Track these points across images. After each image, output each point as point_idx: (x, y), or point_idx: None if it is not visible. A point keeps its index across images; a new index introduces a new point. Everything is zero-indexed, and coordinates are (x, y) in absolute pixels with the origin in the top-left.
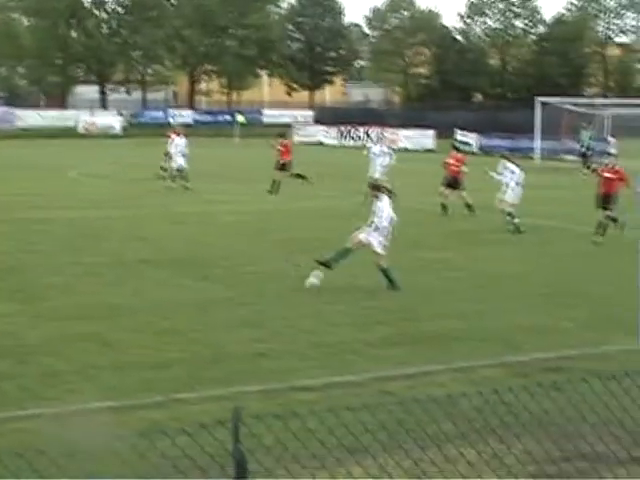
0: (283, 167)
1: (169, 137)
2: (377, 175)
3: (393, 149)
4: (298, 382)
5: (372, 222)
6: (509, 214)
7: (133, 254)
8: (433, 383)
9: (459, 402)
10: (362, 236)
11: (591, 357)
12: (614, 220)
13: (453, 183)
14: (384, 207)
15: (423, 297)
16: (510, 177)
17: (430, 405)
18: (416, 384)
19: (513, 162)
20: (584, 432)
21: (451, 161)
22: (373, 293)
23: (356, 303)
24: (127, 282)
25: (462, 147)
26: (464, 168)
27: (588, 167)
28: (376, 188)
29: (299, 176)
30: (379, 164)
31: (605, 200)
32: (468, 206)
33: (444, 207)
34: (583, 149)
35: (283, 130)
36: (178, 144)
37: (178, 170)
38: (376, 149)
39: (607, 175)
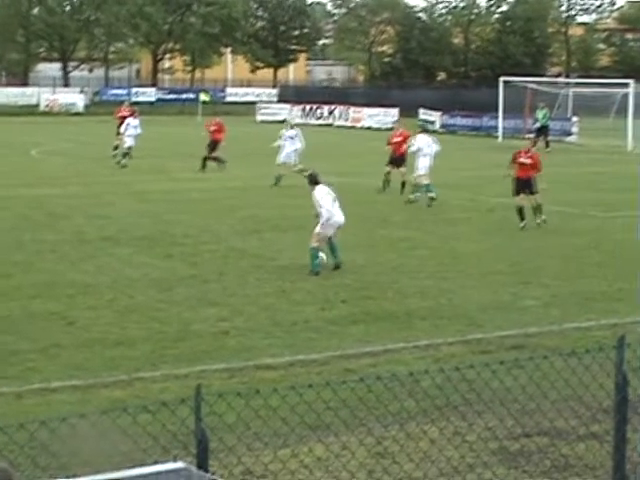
0: (214, 146)
1: (120, 116)
2: (288, 160)
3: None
4: (261, 360)
5: (317, 215)
6: (427, 186)
7: (96, 232)
8: (396, 361)
9: (421, 379)
10: (316, 231)
11: (553, 334)
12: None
13: (398, 161)
14: (319, 197)
15: (387, 275)
16: (427, 151)
17: (392, 383)
18: (379, 362)
19: (430, 135)
20: (545, 409)
21: (396, 139)
22: (337, 271)
23: (319, 281)
24: (90, 260)
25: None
26: (407, 145)
27: (547, 143)
28: (309, 181)
29: (216, 159)
30: (293, 150)
31: (525, 185)
32: (403, 185)
33: (385, 184)
34: (536, 125)
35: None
36: (130, 124)
37: (129, 149)
38: (291, 133)
39: (522, 160)
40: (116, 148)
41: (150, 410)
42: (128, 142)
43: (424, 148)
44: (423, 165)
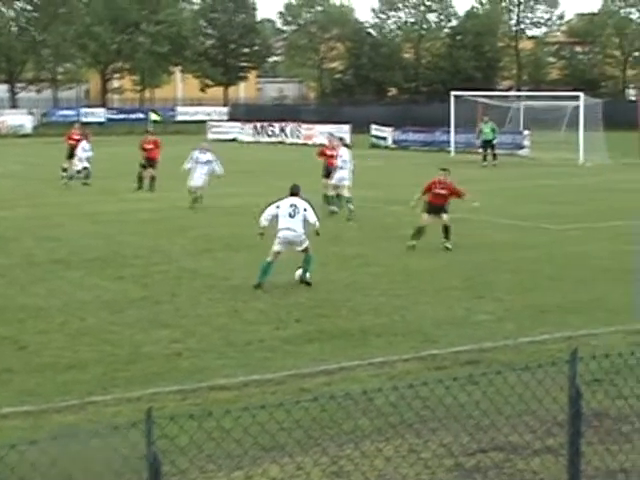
0: (152, 164)
1: (72, 139)
2: (197, 184)
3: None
4: (215, 381)
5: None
6: (348, 200)
7: (46, 254)
8: (351, 379)
9: (375, 397)
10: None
11: (507, 349)
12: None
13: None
14: (278, 204)
15: (340, 293)
16: (344, 164)
17: (346, 401)
18: (334, 380)
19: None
20: (499, 424)
21: (330, 152)
22: (290, 290)
23: (273, 300)
24: (40, 283)
25: (377, 142)
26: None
27: (494, 156)
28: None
29: (152, 179)
30: (205, 172)
31: (438, 209)
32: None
33: (326, 198)
34: (479, 141)
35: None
36: (85, 148)
37: (80, 171)
38: (203, 157)
39: (437, 192)
40: (65, 170)
41: (101, 434)
42: (79, 165)
43: (347, 161)
44: (345, 177)
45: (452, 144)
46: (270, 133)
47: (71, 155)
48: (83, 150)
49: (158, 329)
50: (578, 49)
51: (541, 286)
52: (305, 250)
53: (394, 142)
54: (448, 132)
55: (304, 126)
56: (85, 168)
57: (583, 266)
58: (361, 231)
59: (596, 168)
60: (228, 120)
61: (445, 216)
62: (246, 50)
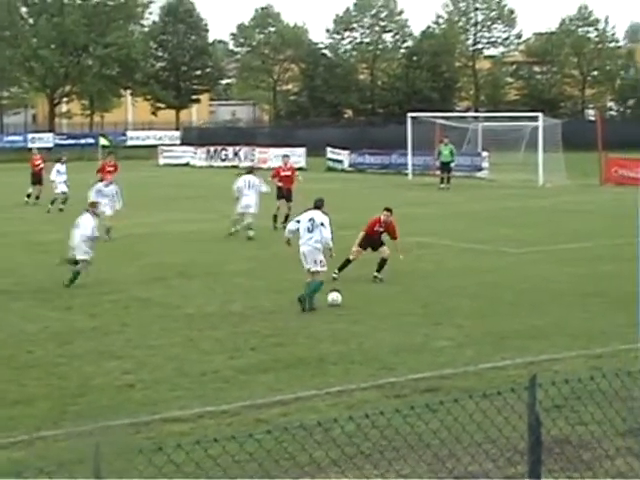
0: None
1: (34, 165)
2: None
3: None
4: (169, 413)
5: None
6: (249, 227)
7: None
8: (308, 409)
9: (332, 428)
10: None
11: (467, 375)
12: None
13: (287, 195)
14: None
15: (297, 320)
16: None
17: (301, 433)
18: (290, 411)
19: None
20: (458, 453)
21: (285, 173)
22: (246, 318)
23: (228, 329)
24: None
25: (333, 165)
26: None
27: (448, 180)
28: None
29: None
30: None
31: (374, 243)
32: (286, 218)
33: (275, 219)
34: (437, 163)
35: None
36: (60, 171)
37: (62, 194)
38: (109, 190)
39: (377, 229)
40: (29, 196)
41: (47, 472)
42: (59, 189)
43: (252, 187)
44: (251, 204)
45: (410, 167)
46: (224, 157)
47: (35, 181)
48: (58, 173)
49: (108, 360)
50: (536, 69)
51: (501, 311)
52: (316, 274)
53: (350, 165)
54: (405, 154)
55: (258, 149)
56: (64, 193)
57: (542, 290)
58: None
59: (555, 189)
60: (180, 144)
61: (385, 250)
62: (198, 72)
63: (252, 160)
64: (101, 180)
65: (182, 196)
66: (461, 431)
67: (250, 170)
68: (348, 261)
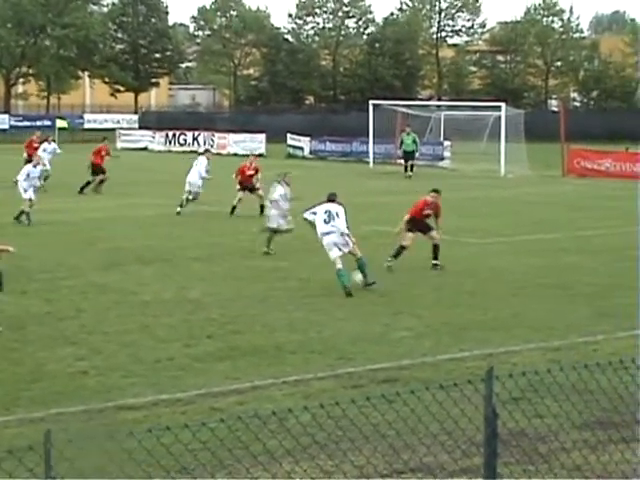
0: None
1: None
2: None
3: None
4: (123, 401)
5: None
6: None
7: None
8: (264, 398)
9: (287, 418)
10: None
11: (426, 366)
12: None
13: (250, 186)
14: (316, 209)
15: (254, 308)
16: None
17: (256, 422)
18: (246, 399)
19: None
20: (414, 445)
21: (250, 172)
22: (202, 305)
23: (184, 317)
24: None
25: (294, 152)
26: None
27: (411, 168)
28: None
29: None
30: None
31: (422, 227)
32: (262, 208)
33: (233, 210)
34: (400, 152)
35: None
36: (47, 149)
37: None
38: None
39: (425, 213)
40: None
41: None
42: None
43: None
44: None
45: (371, 155)
46: (182, 142)
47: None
48: (43, 151)
49: (62, 346)
50: (500, 58)
51: (461, 302)
52: (353, 254)
53: (311, 152)
54: (367, 142)
55: (218, 135)
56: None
57: (504, 281)
58: (278, 244)
59: (517, 180)
60: (139, 128)
61: (434, 234)
62: (158, 55)
63: (211, 145)
64: (95, 164)
65: (140, 181)
66: (417, 422)
67: (205, 152)
68: (402, 247)
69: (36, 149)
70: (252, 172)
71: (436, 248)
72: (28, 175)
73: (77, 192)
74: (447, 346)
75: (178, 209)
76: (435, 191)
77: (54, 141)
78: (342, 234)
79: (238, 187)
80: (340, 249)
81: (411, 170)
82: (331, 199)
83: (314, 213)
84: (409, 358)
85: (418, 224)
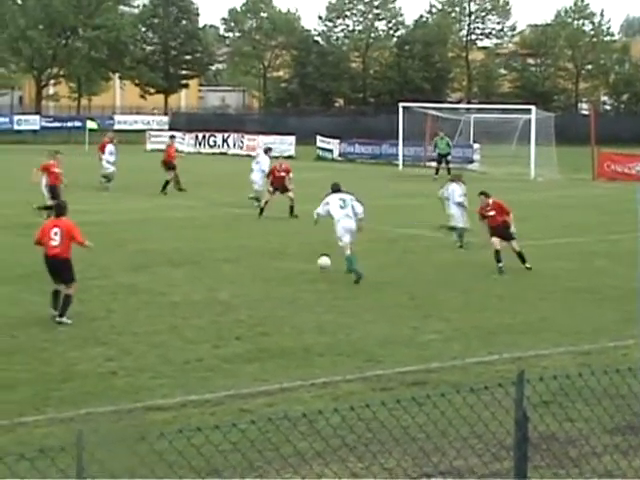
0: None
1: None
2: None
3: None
4: (152, 402)
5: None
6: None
7: None
8: (293, 400)
9: (316, 420)
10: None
11: (455, 369)
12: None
13: (282, 187)
14: (328, 200)
15: (283, 310)
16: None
17: (286, 424)
18: (275, 401)
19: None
20: (444, 448)
21: (282, 174)
22: (231, 307)
23: (213, 318)
24: None
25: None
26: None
27: (449, 170)
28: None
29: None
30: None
31: (500, 232)
32: (292, 209)
33: (262, 211)
34: (435, 154)
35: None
36: (111, 151)
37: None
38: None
39: (489, 214)
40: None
41: (28, 459)
42: (110, 168)
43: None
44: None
45: (400, 157)
46: (212, 144)
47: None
48: (109, 154)
49: (92, 347)
50: (530, 61)
51: (490, 305)
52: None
53: (340, 154)
54: (396, 145)
55: (247, 137)
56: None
57: (533, 285)
58: (306, 246)
59: (547, 183)
60: (169, 129)
61: (514, 244)
62: (188, 57)
63: (240, 147)
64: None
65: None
66: (447, 425)
67: (267, 151)
68: (497, 252)
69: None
70: (283, 173)
71: (519, 254)
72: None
73: (160, 192)
74: (476, 349)
75: (258, 206)
76: (482, 194)
77: (112, 142)
78: (360, 219)
79: (270, 189)
80: (351, 236)
81: (448, 172)
82: (337, 189)
83: (327, 204)
84: (438, 361)
85: (496, 230)
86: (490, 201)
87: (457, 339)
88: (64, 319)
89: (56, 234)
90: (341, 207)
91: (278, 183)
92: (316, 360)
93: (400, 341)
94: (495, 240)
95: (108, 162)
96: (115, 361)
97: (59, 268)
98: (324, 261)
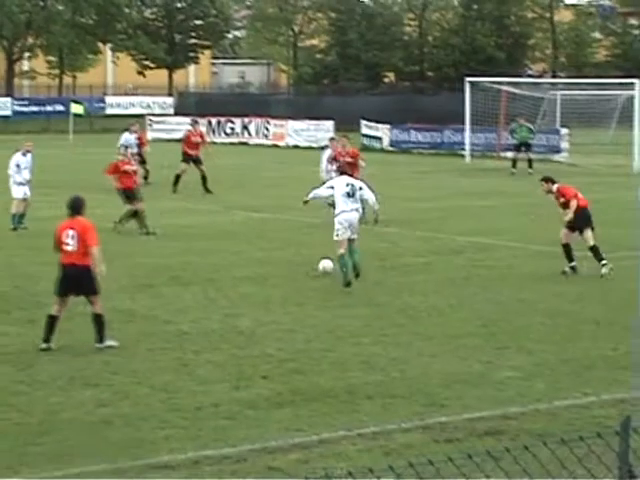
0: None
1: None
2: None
3: None
4: (156, 459)
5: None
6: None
7: None
8: (335, 455)
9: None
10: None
11: (539, 415)
12: None
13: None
14: (333, 183)
15: (321, 341)
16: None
17: None
18: (312, 456)
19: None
20: None
21: (347, 159)
22: (255, 338)
23: (232, 351)
24: None
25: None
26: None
27: (530, 163)
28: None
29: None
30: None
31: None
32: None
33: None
34: (511, 142)
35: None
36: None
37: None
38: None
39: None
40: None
41: None
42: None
43: None
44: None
45: (467, 146)
46: (229, 131)
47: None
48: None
49: (80, 389)
50: (633, 22)
51: (583, 334)
52: (353, 241)
53: (391, 143)
54: (462, 131)
55: (273, 122)
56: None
57: (636, 307)
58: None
59: None
60: (174, 114)
61: (588, 233)
62: (198, 22)
63: (266, 136)
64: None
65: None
66: None
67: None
68: (566, 245)
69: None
70: (349, 159)
71: (593, 249)
72: (18, 166)
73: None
74: (566, 389)
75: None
76: (544, 180)
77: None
78: (375, 210)
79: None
80: (352, 232)
81: (530, 166)
82: (344, 171)
83: (331, 187)
84: (518, 404)
85: (575, 223)
86: (555, 188)
87: (541, 376)
88: (108, 342)
89: (71, 237)
90: (348, 195)
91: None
92: (363, 404)
93: (469, 380)
94: (564, 232)
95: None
96: (109, 407)
97: (78, 278)
98: (327, 265)
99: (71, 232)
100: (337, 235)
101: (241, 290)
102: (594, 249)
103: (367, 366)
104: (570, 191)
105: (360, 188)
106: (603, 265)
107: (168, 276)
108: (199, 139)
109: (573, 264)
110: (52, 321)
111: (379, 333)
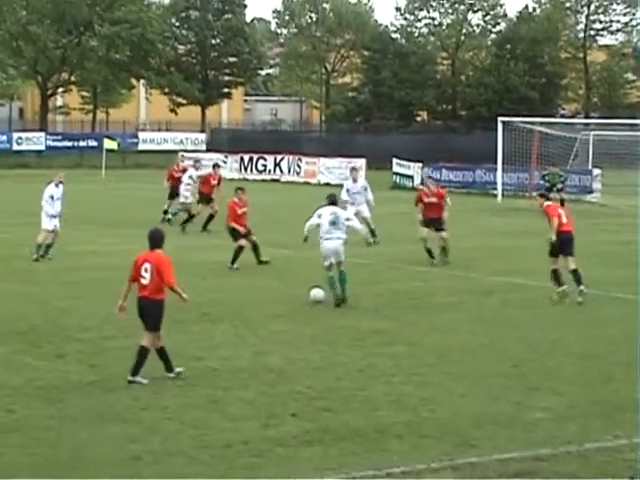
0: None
1: (172, 178)
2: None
3: None
4: None
5: None
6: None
7: None
8: None
9: None
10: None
11: (570, 457)
12: None
13: (434, 222)
14: (320, 212)
15: (352, 380)
16: None
17: None
18: None
19: None
20: None
21: (430, 199)
22: (285, 376)
23: (262, 389)
24: None
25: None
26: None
27: (561, 203)
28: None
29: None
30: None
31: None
32: (443, 249)
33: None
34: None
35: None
36: (185, 180)
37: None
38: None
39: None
40: (165, 212)
41: None
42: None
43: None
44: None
45: (499, 186)
46: (261, 168)
47: (173, 195)
48: (189, 178)
49: (110, 425)
50: None
51: (615, 376)
52: (340, 264)
53: (423, 182)
54: (494, 170)
55: (305, 160)
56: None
57: None
58: (380, 299)
59: None
60: (206, 150)
61: (570, 258)
62: (231, 59)
63: (297, 173)
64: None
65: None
66: None
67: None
68: (555, 271)
69: (178, 179)
70: (434, 200)
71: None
72: (52, 198)
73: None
74: (598, 432)
75: (370, 240)
76: (542, 196)
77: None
78: (341, 247)
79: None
80: (336, 257)
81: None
82: (333, 202)
83: (319, 216)
84: (549, 446)
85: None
86: (543, 205)
87: (573, 418)
88: (177, 369)
89: (146, 270)
90: (333, 223)
91: (433, 213)
92: (393, 443)
93: (500, 420)
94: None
95: (187, 189)
96: (139, 443)
97: (146, 312)
98: (317, 294)
99: (148, 265)
100: (326, 260)
101: (271, 327)
102: (575, 273)
103: (397, 405)
104: (554, 212)
105: (347, 219)
106: (580, 292)
107: (198, 312)
108: (216, 182)
109: (563, 288)
110: (143, 352)
111: (409, 372)
